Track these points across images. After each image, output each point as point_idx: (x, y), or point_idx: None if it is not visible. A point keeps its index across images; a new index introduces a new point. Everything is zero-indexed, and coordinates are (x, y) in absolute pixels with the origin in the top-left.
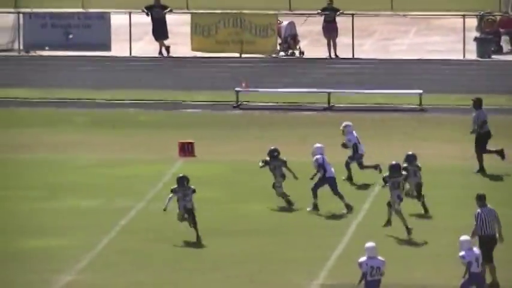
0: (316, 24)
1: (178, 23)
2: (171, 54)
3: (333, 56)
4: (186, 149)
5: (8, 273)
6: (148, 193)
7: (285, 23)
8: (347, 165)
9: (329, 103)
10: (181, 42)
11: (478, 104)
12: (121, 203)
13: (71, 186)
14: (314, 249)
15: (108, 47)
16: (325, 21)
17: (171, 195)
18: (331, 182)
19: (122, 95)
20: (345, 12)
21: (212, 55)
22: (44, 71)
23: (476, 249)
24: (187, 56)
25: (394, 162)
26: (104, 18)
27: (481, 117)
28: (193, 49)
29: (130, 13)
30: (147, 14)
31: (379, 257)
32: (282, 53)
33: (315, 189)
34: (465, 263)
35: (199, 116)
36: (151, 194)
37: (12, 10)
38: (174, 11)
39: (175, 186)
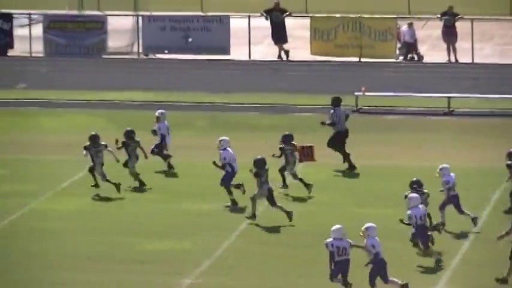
0: (435, 28)
1: (297, 26)
2: (290, 58)
3: (452, 60)
4: (306, 153)
5: (131, 276)
6: None
7: (404, 27)
8: (152, 152)
9: (449, 108)
10: (300, 46)
11: (336, 102)
12: (241, 206)
13: (191, 189)
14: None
15: (227, 51)
16: (444, 26)
17: (84, 152)
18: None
19: (242, 98)
20: (464, 17)
21: (331, 59)
22: (163, 74)
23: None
24: (307, 60)
25: (259, 157)
26: (223, 21)
27: (337, 115)
28: (312, 53)
29: (249, 16)
30: (266, 18)
31: (346, 239)
32: (401, 58)
33: (227, 186)
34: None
35: (318, 119)
36: None
37: (131, 13)
38: (293, 14)
39: (88, 143)
